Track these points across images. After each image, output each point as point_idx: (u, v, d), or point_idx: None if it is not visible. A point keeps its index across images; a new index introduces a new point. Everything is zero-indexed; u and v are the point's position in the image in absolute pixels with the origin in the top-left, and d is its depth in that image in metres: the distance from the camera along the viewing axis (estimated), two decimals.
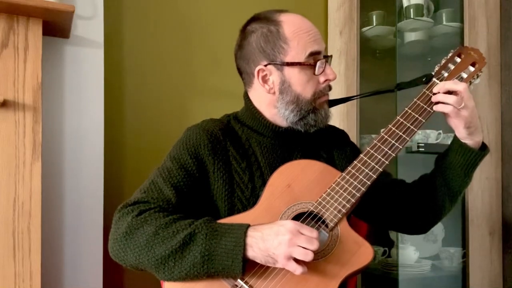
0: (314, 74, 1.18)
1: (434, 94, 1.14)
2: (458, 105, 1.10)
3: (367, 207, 1.23)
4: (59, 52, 1.63)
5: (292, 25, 1.18)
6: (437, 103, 1.13)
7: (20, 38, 1.46)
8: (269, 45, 1.18)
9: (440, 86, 1.13)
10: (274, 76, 1.19)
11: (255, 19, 1.23)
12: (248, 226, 1.01)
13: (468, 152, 1.16)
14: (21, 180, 1.43)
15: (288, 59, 1.17)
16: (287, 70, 1.17)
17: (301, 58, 1.16)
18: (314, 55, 1.18)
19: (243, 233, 0.99)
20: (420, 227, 1.31)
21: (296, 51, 1.16)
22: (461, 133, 1.15)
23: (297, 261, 0.97)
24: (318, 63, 1.17)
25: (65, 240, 1.60)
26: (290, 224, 0.98)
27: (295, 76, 1.17)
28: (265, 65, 1.18)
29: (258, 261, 1.00)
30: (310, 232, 0.98)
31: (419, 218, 1.28)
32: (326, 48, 1.33)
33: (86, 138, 1.65)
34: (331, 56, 1.24)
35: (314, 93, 1.19)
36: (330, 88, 1.23)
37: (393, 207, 1.28)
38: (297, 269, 0.96)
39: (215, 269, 1.00)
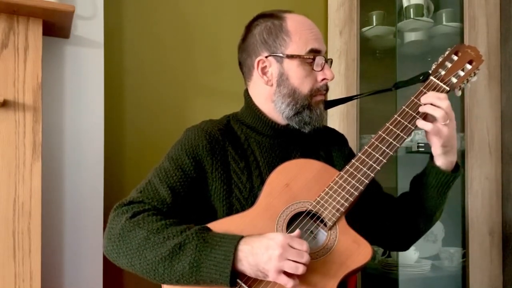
0: (312, 69, 1.19)
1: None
2: (443, 120, 1.10)
3: (355, 220, 1.21)
4: (59, 52, 1.63)
5: (295, 21, 1.21)
6: (424, 116, 1.13)
7: (20, 38, 1.46)
8: (271, 37, 1.20)
9: (425, 98, 1.13)
10: (273, 68, 1.20)
11: (260, 16, 1.25)
12: (240, 238, 1.00)
13: (440, 174, 1.17)
14: (21, 180, 1.43)
15: (288, 51, 1.18)
16: (287, 63, 1.18)
17: (302, 53, 1.18)
18: (314, 52, 1.19)
19: (233, 246, 0.98)
20: (400, 244, 1.33)
21: (297, 45, 1.18)
22: (437, 150, 1.15)
23: (288, 274, 0.96)
24: (317, 59, 1.19)
25: (65, 240, 1.60)
26: (280, 238, 0.97)
27: (293, 69, 1.18)
28: (266, 57, 1.20)
29: (247, 274, 0.99)
30: (300, 245, 0.97)
31: (398, 236, 1.29)
32: (326, 52, 1.34)
33: (86, 138, 1.65)
34: (331, 59, 1.25)
35: (311, 89, 1.20)
36: (327, 88, 1.23)
37: (377, 223, 1.27)
38: (289, 283, 0.96)
39: (203, 280, 0.99)
